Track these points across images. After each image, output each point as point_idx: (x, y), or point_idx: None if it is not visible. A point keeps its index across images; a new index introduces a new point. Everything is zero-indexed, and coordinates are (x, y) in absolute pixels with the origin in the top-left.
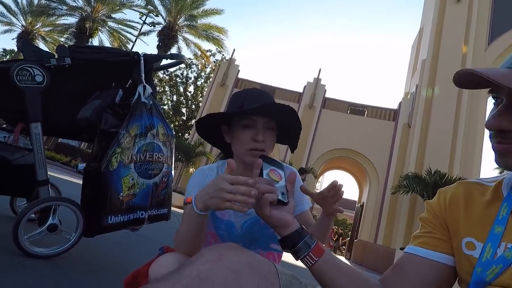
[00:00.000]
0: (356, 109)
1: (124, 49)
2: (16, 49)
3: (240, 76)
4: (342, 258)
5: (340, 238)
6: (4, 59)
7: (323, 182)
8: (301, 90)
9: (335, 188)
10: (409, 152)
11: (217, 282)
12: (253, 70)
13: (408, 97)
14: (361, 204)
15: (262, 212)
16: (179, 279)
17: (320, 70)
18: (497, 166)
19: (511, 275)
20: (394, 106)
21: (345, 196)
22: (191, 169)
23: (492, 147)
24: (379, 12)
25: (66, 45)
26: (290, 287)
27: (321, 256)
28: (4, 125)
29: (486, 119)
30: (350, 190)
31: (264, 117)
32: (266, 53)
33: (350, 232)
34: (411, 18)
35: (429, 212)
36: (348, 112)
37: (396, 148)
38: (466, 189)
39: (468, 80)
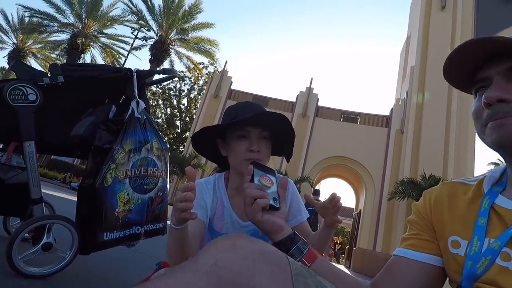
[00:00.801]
0: (349, 117)
1: (116, 64)
2: (6, 67)
3: (233, 87)
4: (342, 267)
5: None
6: None
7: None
8: (294, 100)
9: (334, 200)
10: (403, 157)
11: (234, 269)
12: (246, 81)
13: (400, 103)
14: (359, 211)
15: (254, 217)
16: (196, 267)
17: (312, 79)
18: (490, 162)
19: (498, 270)
20: (386, 112)
21: (342, 204)
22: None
23: (486, 131)
24: (367, 21)
25: (59, 63)
26: (301, 275)
27: (314, 261)
28: None
29: (484, 96)
30: (347, 197)
31: (257, 127)
32: (258, 64)
33: (348, 240)
34: (398, 26)
35: (416, 214)
36: (341, 120)
37: (390, 154)
38: (450, 189)
39: (460, 67)
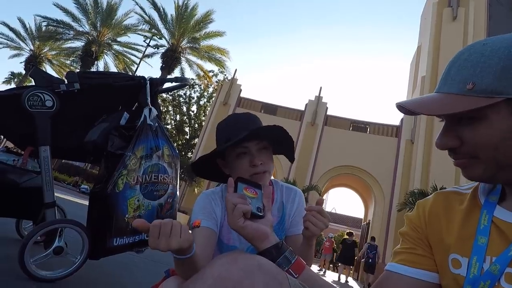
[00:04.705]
0: (358, 126)
1: (128, 71)
2: (23, 72)
3: (242, 95)
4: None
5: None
6: (12, 82)
7: (328, 200)
8: (303, 108)
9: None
10: (414, 168)
11: (235, 280)
12: (255, 89)
13: None
14: (367, 222)
15: (236, 223)
16: (204, 281)
17: (321, 88)
18: None
19: None
20: (396, 122)
21: (350, 214)
22: (195, 189)
23: (453, 163)
24: (378, 30)
25: (75, 71)
26: None
27: (302, 272)
28: (14, 149)
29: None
30: (356, 207)
31: (254, 140)
32: (267, 71)
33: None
34: (408, 36)
35: (409, 226)
36: (351, 129)
37: (400, 165)
38: (444, 200)
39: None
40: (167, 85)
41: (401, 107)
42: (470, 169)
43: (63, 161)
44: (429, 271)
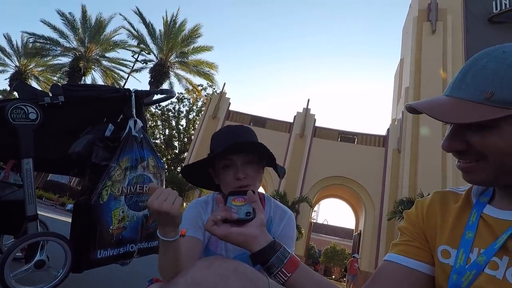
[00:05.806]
0: (346, 137)
1: (116, 86)
2: (8, 89)
3: (231, 108)
4: None
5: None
6: None
7: (319, 211)
8: (291, 120)
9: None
10: (401, 176)
11: (209, 285)
12: (244, 102)
13: (396, 123)
14: (359, 232)
15: (221, 232)
16: (177, 286)
17: (308, 100)
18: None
19: (486, 279)
20: (383, 132)
21: (342, 225)
22: (184, 204)
23: (457, 166)
24: (363, 44)
25: (60, 84)
26: None
27: (295, 271)
28: None
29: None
30: (347, 218)
31: (240, 153)
32: (255, 85)
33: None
34: (392, 49)
35: (407, 222)
36: (339, 139)
37: (388, 174)
38: (441, 198)
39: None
40: (154, 97)
41: (412, 108)
42: (473, 174)
43: (48, 178)
44: (424, 262)
